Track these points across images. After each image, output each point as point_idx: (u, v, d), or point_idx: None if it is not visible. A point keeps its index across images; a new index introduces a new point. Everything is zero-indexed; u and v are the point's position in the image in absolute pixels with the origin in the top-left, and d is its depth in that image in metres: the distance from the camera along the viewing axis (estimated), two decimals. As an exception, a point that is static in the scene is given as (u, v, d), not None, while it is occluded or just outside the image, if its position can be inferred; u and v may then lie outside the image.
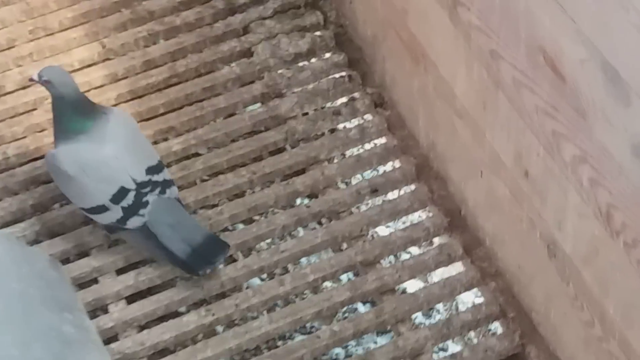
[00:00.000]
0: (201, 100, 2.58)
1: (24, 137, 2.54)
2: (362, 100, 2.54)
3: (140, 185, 2.20)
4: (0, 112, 2.57)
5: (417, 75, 2.30)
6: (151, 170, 2.24)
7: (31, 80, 2.31)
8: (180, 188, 2.37)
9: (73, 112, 2.23)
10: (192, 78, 2.63)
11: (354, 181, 2.46)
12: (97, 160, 2.19)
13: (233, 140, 2.52)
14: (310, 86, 2.59)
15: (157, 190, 2.22)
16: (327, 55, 2.66)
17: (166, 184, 2.25)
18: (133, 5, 2.79)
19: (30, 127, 2.55)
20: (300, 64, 2.64)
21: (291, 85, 2.59)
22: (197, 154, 2.49)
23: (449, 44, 2.10)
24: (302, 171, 2.45)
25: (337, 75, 2.61)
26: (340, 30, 2.67)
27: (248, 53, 2.67)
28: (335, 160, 2.48)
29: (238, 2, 2.75)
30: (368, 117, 2.53)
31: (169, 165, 2.44)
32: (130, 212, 2.20)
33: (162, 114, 2.57)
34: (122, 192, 2.19)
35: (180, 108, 2.57)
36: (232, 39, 2.69)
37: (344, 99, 2.57)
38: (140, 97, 2.59)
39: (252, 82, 2.62)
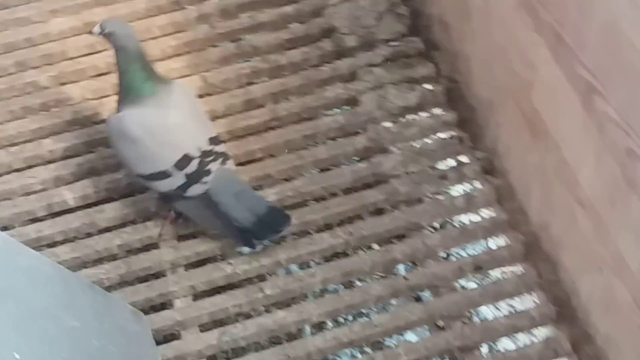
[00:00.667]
0: (301, 149, 2.42)
1: (118, 170, 2.40)
2: (471, 165, 2.35)
3: (204, 154, 2.14)
4: (97, 141, 2.44)
5: (536, 151, 2.10)
6: (212, 141, 2.18)
7: (91, 33, 2.19)
8: (271, 243, 2.23)
9: (138, 69, 2.13)
10: (293, 123, 2.46)
11: (456, 254, 2.27)
12: (164, 126, 2.13)
13: (332, 196, 2.35)
14: (417, 144, 2.41)
15: (220, 160, 2.16)
16: (437, 111, 2.47)
17: (226, 156, 2.20)
18: (238, 38, 2.64)
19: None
20: (408, 118, 2.46)
21: (396, 140, 2.41)
22: (292, 207, 2.32)
23: (577, 130, 1.89)
24: (401, 237, 2.27)
25: (446, 135, 2.42)
26: (452, 85, 2.47)
27: (353, 101, 2.49)
28: (438, 229, 2.29)
29: (347, 45, 2.57)
30: (476, 184, 2.34)
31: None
32: (193, 179, 2.13)
33: (259, 160, 2.41)
34: (186, 159, 2.13)
35: (279, 155, 2.41)
36: (337, 85, 2.52)
37: (451, 162, 2.38)
38: (238, 138, 2.44)
39: (356, 133, 2.45)
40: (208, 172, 2.14)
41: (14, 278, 1.84)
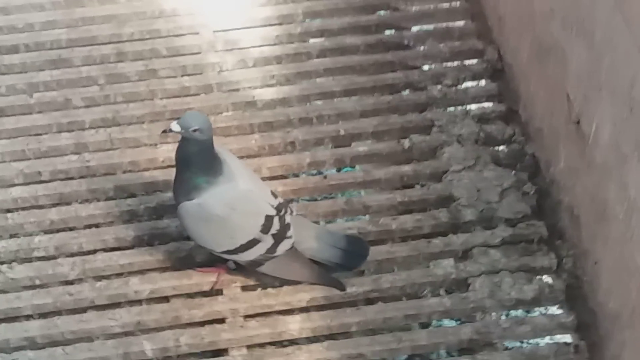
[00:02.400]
0: (400, 330, 2.15)
1: (202, 324, 2.18)
2: (586, 381, 2.05)
3: (278, 209, 2.09)
4: (183, 287, 2.23)
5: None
6: (273, 194, 2.13)
7: (167, 132, 2.02)
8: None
9: (212, 155, 2.05)
10: (395, 299, 2.20)
11: None
12: (241, 197, 2.06)
13: (426, 390, 2.08)
14: (528, 347, 2.12)
15: (289, 210, 2.12)
16: (554, 309, 2.17)
17: (289, 204, 2.15)
18: (350, 192, 2.42)
19: (211, 314, 2.19)
20: (521, 313, 2.18)
21: (505, 337, 2.12)
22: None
23: None
24: None
25: (561, 339, 2.12)
26: (574, 282, 2.18)
27: (463, 285, 2.22)
28: None
29: (464, 219, 2.31)
30: (589, 405, 2.04)
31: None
32: (279, 237, 2.09)
33: (353, 335, 2.16)
34: (269, 221, 2.08)
35: (375, 334, 2.15)
36: (448, 262, 2.25)
37: (564, 373, 2.09)
38: (333, 307, 2.19)
39: (462, 322, 2.17)
40: (289, 226, 2.10)
41: None
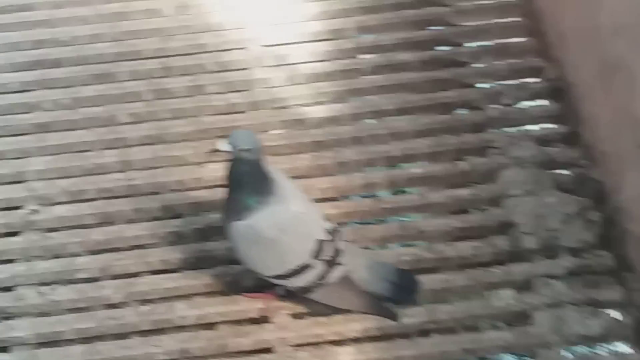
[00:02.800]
0: (458, 365, 2.03)
1: (249, 353, 2.07)
2: None
3: (330, 234, 1.98)
4: (230, 313, 2.12)
5: None
6: (325, 219, 2.01)
7: (216, 151, 1.91)
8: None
9: (263, 174, 1.93)
10: (451, 332, 2.08)
11: None
12: (292, 219, 1.96)
13: None
14: (595, 385, 1.99)
15: (341, 237, 2.00)
16: (623, 347, 2.03)
17: (341, 231, 2.03)
18: (404, 215, 2.30)
19: (259, 343, 2.09)
20: (587, 350, 2.04)
21: (570, 375, 2.00)
22: None
23: None
24: None
25: (629, 379, 1.99)
26: (644, 318, 2.04)
27: (524, 318, 2.08)
28: None
29: (525, 247, 2.18)
30: None
31: None
32: (331, 263, 1.97)
33: (409, 369, 2.04)
34: (320, 245, 1.96)
35: (432, 368, 2.03)
36: (508, 293, 2.12)
37: (633, 416, 1.95)
38: (387, 339, 2.07)
39: (523, 357, 2.04)
40: (341, 252, 1.98)
41: None
